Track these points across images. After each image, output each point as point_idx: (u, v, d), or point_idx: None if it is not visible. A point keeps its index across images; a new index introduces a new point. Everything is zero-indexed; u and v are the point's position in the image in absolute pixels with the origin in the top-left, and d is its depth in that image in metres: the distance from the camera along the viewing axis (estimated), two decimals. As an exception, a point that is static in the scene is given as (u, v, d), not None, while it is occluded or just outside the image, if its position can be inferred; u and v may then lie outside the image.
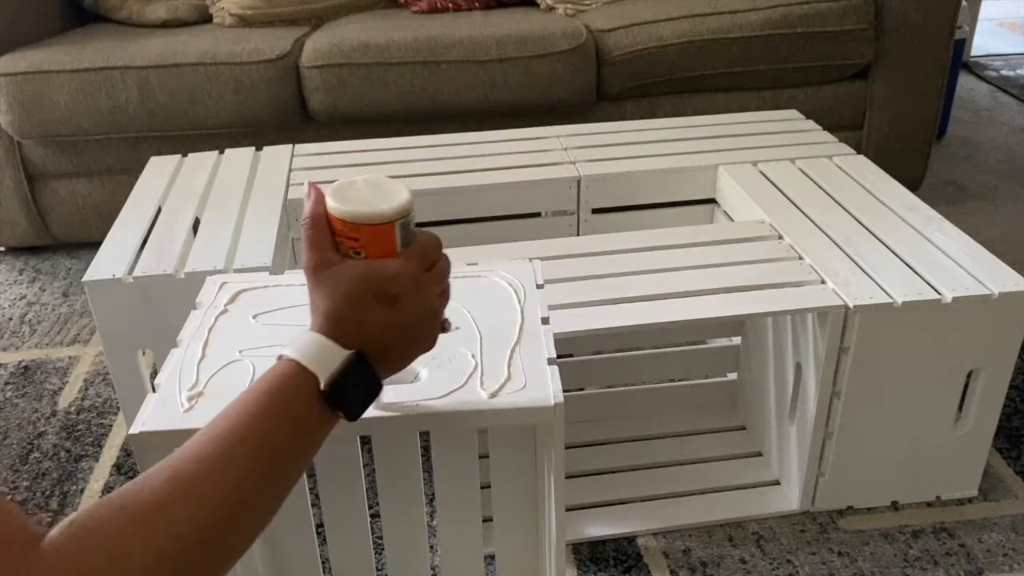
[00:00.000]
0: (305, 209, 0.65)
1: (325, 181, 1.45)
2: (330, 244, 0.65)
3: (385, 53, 1.81)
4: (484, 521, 0.96)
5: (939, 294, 1.11)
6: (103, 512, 0.50)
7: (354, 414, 0.63)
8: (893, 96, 1.99)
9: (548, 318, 0.89)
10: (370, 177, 0.67)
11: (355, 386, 0.62)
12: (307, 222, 0.64)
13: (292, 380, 0.59)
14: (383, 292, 0.63)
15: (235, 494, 0.54)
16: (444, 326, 0.70)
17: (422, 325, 0.66)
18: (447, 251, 0.70)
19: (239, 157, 1.56)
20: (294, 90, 1.84)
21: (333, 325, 0.62)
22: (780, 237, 1.27)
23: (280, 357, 0.61)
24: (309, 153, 1.58)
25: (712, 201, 1.53)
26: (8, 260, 2.03)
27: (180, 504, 0.51)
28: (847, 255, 1.20)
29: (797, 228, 1.28)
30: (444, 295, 0.69)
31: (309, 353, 0.60)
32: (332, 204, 0.65)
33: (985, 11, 3.31)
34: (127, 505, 0.50)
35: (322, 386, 0.60)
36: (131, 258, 1.23)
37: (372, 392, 0.64)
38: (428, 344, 0.68)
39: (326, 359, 0.61)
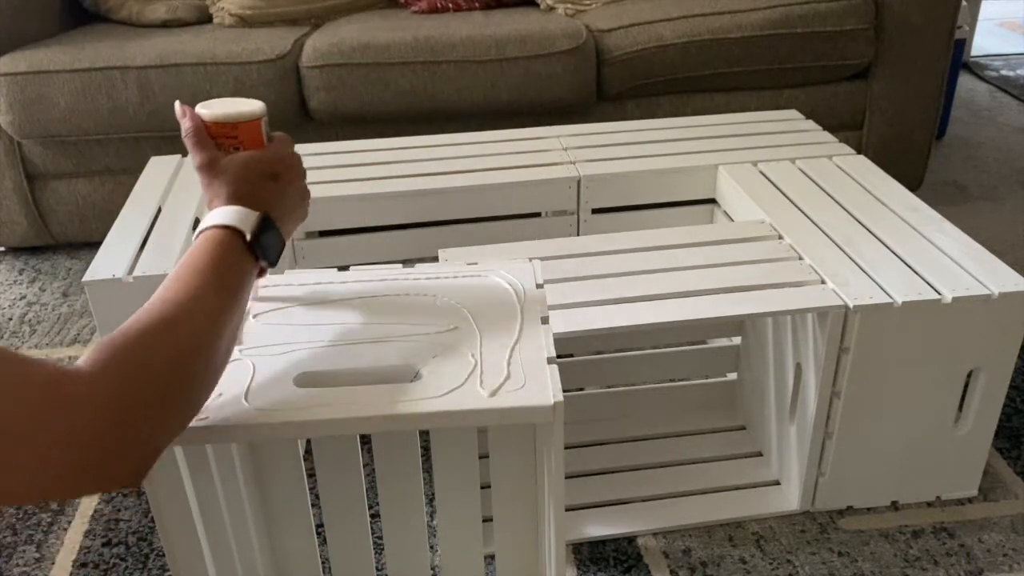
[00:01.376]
0: (184, 124, 0.80)
1: (325, 182, 1.46)
2: (213, 145, 0.81)
3: (385, 53, 1.81)
4: (484, 521, 0.96)
5: (939, 294, 1.11)
6: (126, 333, 0.63)
7: (273, 260, 0.79)
8: (893, 96, 1.99)
9: (548, 318, 0.89)
10: (224, 98, 0.83)
11: (270, 237, 0.78)
12: (190, 131, 0.80)
13: (226, 239, 0.74)
14: (267, 171, 0.80)
15: (214, 314, 0.70)
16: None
17: (296, 197, 0.84)
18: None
19: (239, 157, 1.55)
20: (294, 90, 1.84)
21: (238, 199, 0.77)
22: (780, 237, 1.27)
23: (203, 231, 0.75)
24: (309, 153, 1.58)
25: (712, 201, 1.53)
26: (8, 260, 2.03)
27: (184, 321, 0.67)
28: (847, 255, 1.20)
29: (797, 228, 1.28)
30: (304, 177, 0.86)
31: (232, 218, 0.75)
32: (209, 113, 0.81)
33: (985, 11, 3.31)
34: (136, 331, 0.64)
35: (248, 237, 0.75)
36: (131, 258, 1.23)
37: (281, 245, 0.80)
38: (303, 214, 0.86)
39: (245, 220, 0.76)
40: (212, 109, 0.81)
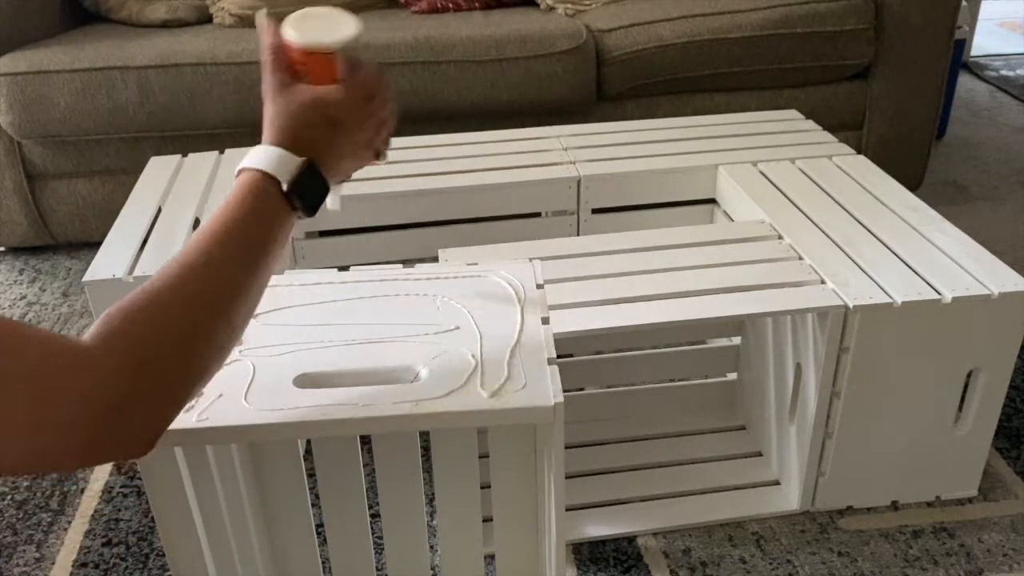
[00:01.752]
0: (264, 39, 0.74)
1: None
2: (286, 67, 0.74)
3: (385, 53, 1.81)
4: (484, 521, 0.96)
5: (939, 294, 1.11)
6: (133, 300, 0.62)
7: (312, 209, 0.74)
8: (893, 96, 1.99)
9: (548, 318, 0.89)
10: (327, 10, 0.74)
11: (309, 186, 0.73)
12: (267, 48, 0.74)
13: (260, 185, 0.71)
14: (326, 116, 0.74)
15: (233, 273, 0.67)
16: (379, 154, 0.81)
17: (357, 147, 0.78)
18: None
19: (239, 157, 1.55)
20: (294, 90, 1.83)
21: (285, 138, 0.72)
22: (780, 237, 1.27)
23: (243, 171, 0.72)
24: (309, 153, 1.58)
25: (712, 201, 1.53)
26: (8, 260, 2.03)
27: (193, 281, 0.65)
28: (847, 255, 1.20)
29: (797, 228, 1.28)
30: (382, 125, 0.79)
31: (270, 163, 0.71)
32: (288, 33, 0.73)
33: (985, 11, 3.31)
34: (149, 291, 0.63)
35: (284, 188, 0.71)
36: (131, 258, 1.23)
37: (323, 192, 0.75)
38: (364, 161, 0.80)
39: (284, 166, 0.71)
40: (297, 27, 0.73)
